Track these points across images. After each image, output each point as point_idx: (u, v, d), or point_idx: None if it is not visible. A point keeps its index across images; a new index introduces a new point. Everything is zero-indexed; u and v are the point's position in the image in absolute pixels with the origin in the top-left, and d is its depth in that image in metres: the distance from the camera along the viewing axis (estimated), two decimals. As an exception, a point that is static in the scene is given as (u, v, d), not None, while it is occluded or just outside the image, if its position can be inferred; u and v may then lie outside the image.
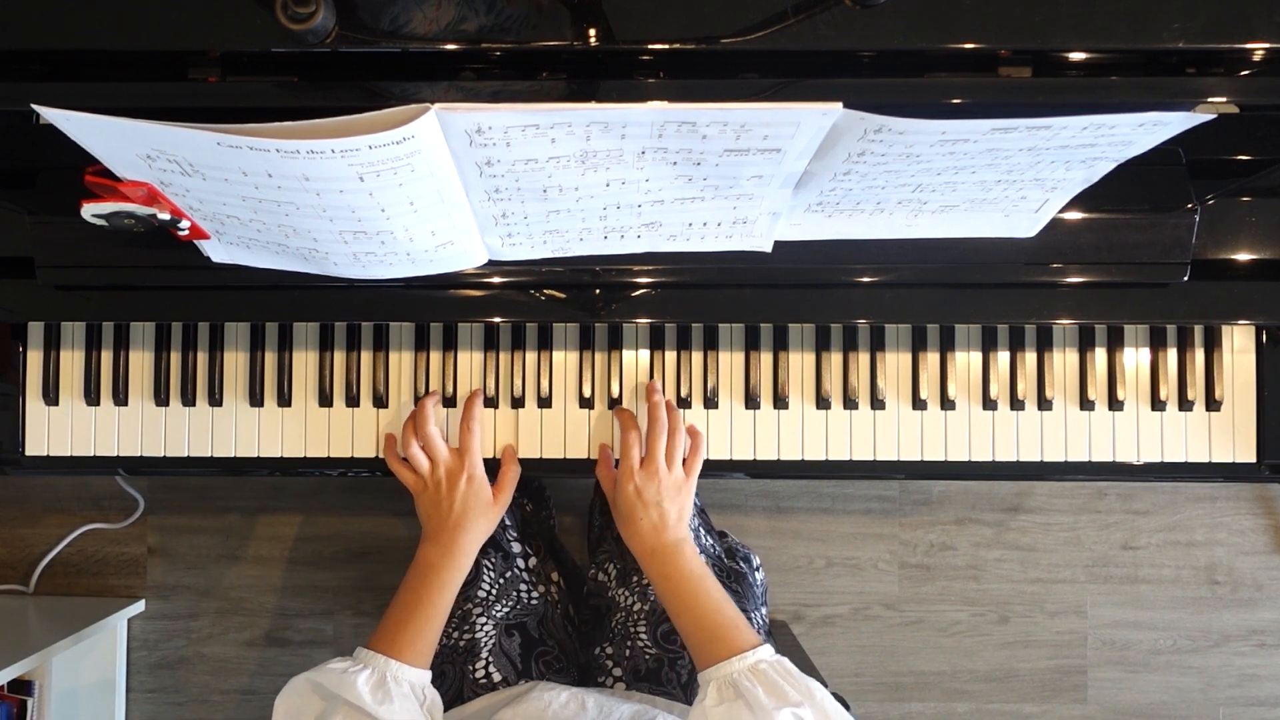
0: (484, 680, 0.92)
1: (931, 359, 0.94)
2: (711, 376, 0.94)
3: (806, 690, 0.72)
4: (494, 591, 0.98)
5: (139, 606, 1.58)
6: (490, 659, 0.93)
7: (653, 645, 0.94)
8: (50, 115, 0.60)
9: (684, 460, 0.90)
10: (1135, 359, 0.94)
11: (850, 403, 0.94)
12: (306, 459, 0.94)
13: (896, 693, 1.62)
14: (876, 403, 0.94)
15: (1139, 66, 0.66)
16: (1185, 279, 0.80)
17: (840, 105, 0.59)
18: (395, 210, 0.68)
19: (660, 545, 0.86)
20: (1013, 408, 0.94)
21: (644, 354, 0.95)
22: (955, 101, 0.66)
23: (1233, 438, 0.94)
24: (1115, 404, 0.94)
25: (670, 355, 0.94)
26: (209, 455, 0.94)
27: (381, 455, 0.93)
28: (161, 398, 0.94)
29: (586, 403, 0.94)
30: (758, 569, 1.12)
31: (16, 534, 1.61)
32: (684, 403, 0.94)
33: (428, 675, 0.80)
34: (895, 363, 0.95)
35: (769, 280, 0.83)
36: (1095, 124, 0.62)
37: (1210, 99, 0.64)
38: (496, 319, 0.85)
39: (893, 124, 0.61)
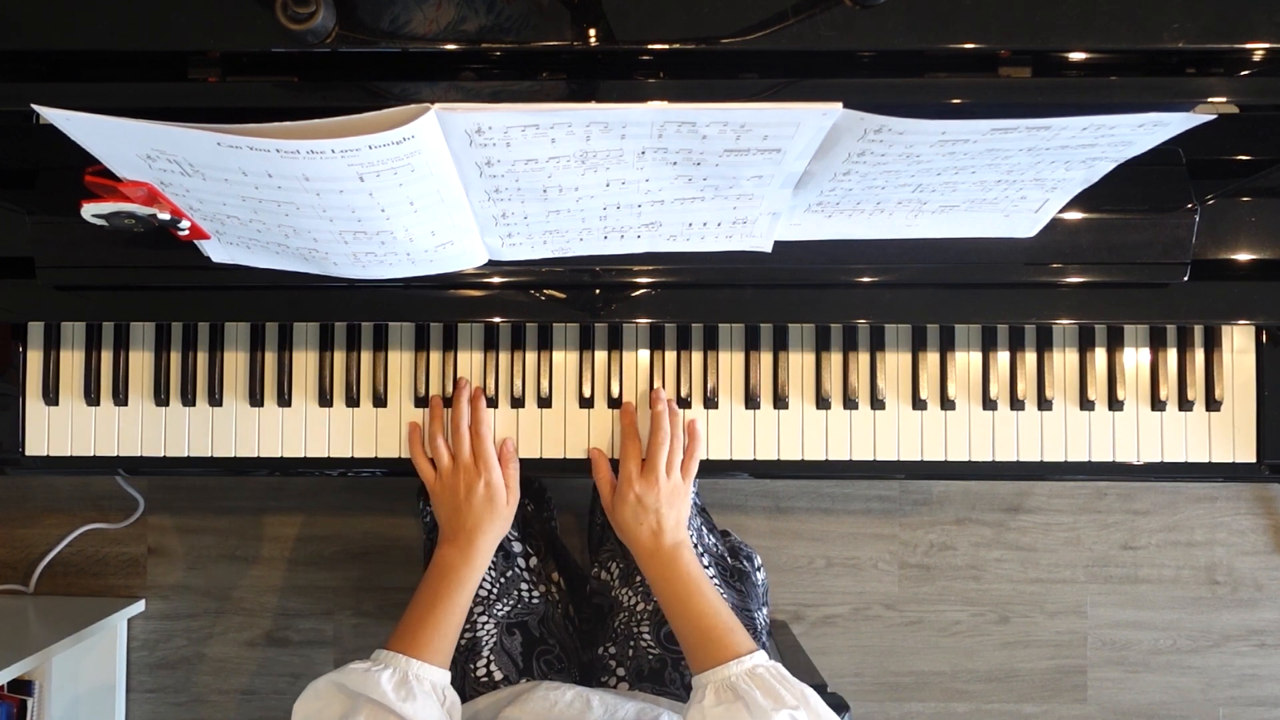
0: (485, 679, 0.92)
1: (931, 359, 0.94)
2: (711, 376, 0.94)
3: (801, 695, 0.73)
4: (495, 591, 0.98)
5: (139, 606, 1.58)
6: (491, 658, 0.94)
7: (656, 646, 0.94)
8: (50, 115, 0.60)
9: (681, 463, 0.90)
10: (1135, 359, 0.94)
11: (850, 403, 0.94)
12: (306, 459, 0.94)
13: (896, 693, 1.62)
14: (876, 403, 0.94)
15: (1139, 67, 0.66)
16: (1185, 279, 0.80)
17: (840, 105, 0.59)
18: (395, 210, 0.68)
19: (659, 549, 0.87)
20: (1013, 408, 0.94)
21: (644, 354, 0.95)
22: (955, 101, 0.66)
23: (1233, 438, 0.94)
24: (1115, 404, 0.94)
25: (670, 355, 0.94)
26: (209, 455, 0.94)
27: (405, 452, 0.93)
28: (161, 398, 0.94)
29: (586, 403, 0.94)
30: (759, 568, 1.12)
31: (16, 534, 1.61)
32: (684, 403, 0.94)
33: (448, 676, 0.80)
34: (895, 363, 0.95)
35: (769, 280, 0.83)
36: (1095, 124, 0.62)
37: (1210, 99, 0.64)
38: (496, 319, 0.85)
39: (893, 124, 0.61)
